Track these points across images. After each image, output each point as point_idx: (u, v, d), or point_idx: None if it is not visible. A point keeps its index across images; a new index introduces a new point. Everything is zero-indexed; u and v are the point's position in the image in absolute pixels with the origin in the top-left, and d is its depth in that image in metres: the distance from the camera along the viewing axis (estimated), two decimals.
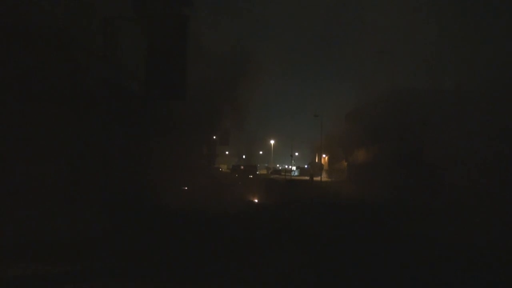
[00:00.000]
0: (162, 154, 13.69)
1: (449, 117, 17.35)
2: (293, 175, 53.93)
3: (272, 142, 62.24)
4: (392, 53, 26.31)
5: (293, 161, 58.73)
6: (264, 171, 61.92)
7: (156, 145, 12.77)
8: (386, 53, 29.06)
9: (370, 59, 33.40)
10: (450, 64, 20.16)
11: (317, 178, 41.73)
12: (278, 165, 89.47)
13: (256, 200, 15.88)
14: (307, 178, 45.15)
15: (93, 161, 8.69)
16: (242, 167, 41.36)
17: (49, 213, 6.64)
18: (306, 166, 63.73)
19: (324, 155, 49.16)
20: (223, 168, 52.10)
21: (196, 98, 17.13)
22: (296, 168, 62.78)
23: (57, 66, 7.21)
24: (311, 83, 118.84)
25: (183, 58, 9.28)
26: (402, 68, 23.36)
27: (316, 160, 55.11)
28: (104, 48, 8.80)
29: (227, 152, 61.21)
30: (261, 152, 79.92)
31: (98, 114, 8.82)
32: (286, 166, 62.87)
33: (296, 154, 72.73)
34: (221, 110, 26.23)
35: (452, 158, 16.64)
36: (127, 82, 10.39)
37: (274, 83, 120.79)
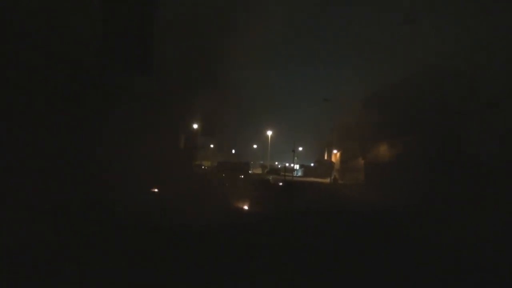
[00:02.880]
0: (123, 145, 13.49)
1: (494, 104, 17.12)
2: (296, 175, 53.87)
3: (269, 133, 62.05)
4: (421, 23, 25.95)
5: (296, 158, 58.56)
6: (258, 170, 61.79)
7: (115, 134, 12.49)
8: (414, 23, 28.77)
9: (396, 31, 33.03)
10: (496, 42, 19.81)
11: (325, 180, 41.60)
12: (276, 163, 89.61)
13: (248, 208, 15.56)
14: (313, 179, 44.97)
15: (29, 154, 8.35)
16: (230, 164, 41.18)
17: None
18: (312, 164, 63.67)
19: (335, 151, 49.08)
20: (207, 165, 51.99)
21: (170, 73, 16.67)
22: (300, 167, 62.76)
23: None
24: (320, 61, 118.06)
25: (151, 27, 9.33)
26: (435, 42, 22.99)
27: (325, 157, 55.04)
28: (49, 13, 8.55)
29: (212, 146, 61.02)
30: (255, 146, 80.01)
31: (38, 92, 8.50)
32: (287, 164, 62.82)
33: (300, 149, 72.75)
34: (204, 90, 25.84)
35: (499, 158, 16.39)
36: (80, 52, 10.12)
37: (272, 60, 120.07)
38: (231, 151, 69.68)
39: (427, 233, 11.16)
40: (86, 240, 7.48)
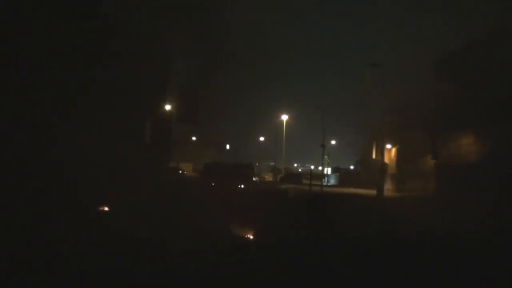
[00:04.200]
0: (54, 139, 13.82)
1: None
2: (326, 184, 53.79)
3: (284, 118, 61.82)
4: None
5: (326, 157, 58.26)
6: (268, 176, 61.78)
7: (45, 121, 12.84)
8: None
9: None
10: None
11: (373, 191, 41.24)
12: (296, 165, 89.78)
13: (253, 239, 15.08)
14: (353, 190, 44.68)
15: None
16: (223, 167, 41.00)
17: None
18: (352, 167, 63.50)
19: (389, 146, 48.95)
20: (187, 169, 52.07)
21: (132, 26, 16.65)
22: (333, 171, 62.68)
23: None
24: (359, 12, 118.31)
25: None
26: None
27: (373, 156, 54.89)
28: None
29: (194, 138, 60.97)
30: (262, 139, 79.87)
31: None
32: (312, 167, 62.74)
33: (333, 143, 72.56)
34: (182, 50, 25.73)
35: None
36: None
37: (287, 13, 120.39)
38: (225, 146, 69.78)
39: None
40: None
